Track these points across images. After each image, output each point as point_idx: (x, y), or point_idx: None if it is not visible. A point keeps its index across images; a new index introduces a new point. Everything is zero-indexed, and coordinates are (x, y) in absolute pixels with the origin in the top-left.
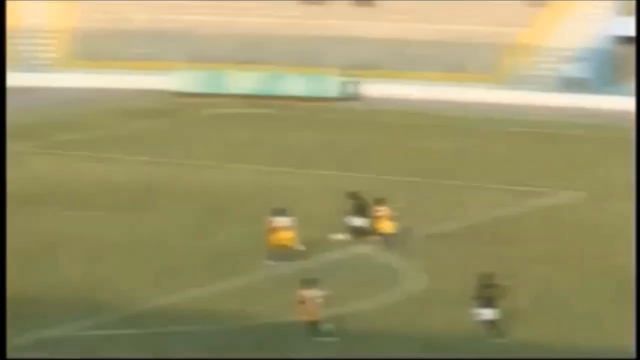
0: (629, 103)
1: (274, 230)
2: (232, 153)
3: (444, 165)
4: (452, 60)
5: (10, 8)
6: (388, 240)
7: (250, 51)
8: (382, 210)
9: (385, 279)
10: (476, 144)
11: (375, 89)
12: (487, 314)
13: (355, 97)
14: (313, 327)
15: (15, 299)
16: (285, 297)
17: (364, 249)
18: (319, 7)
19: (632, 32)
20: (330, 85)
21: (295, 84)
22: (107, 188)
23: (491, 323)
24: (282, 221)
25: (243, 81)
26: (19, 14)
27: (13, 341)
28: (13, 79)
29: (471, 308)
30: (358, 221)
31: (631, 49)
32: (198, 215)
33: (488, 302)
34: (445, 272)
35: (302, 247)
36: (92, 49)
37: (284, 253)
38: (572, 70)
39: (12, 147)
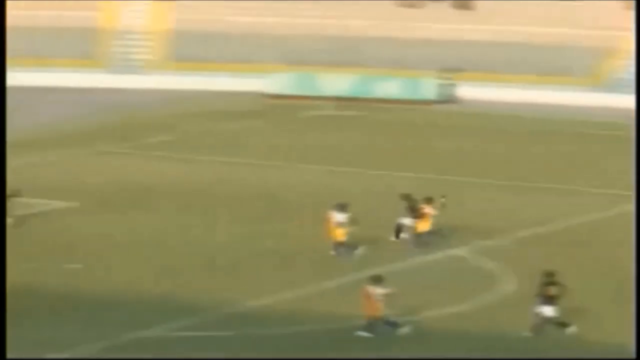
0: None
1: (331, 224)
2: (319, 155)
3: (538, 168)
4: (549, 63)
5: (105, 9)
6: (418, 238)
7: (344, 53)
8: (426, 209)
9: (476, 281)
10: (570, 147)
11: (472, 91)
12: (547, 311)
13: (451, 100)
14: (372, 323)
15: (117, 299)
16: None
17: (456, 251)
18: (415, 10)
19: None
20: (426, 87)
21: (390, 87)
22: (194, 190)
23: (550, 320)
24: (338, 216)
25: (336, 83)
26: (113, 14)
27: (111, 341)
28: (107, 81)
29: (533, 305)
30: (406, 221)
31: None
32: (281, 217)
33: (548, 300)
34: (535, 275)
35: (359, 250)
36: (186, 51)
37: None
38: None
39: (104, 148)
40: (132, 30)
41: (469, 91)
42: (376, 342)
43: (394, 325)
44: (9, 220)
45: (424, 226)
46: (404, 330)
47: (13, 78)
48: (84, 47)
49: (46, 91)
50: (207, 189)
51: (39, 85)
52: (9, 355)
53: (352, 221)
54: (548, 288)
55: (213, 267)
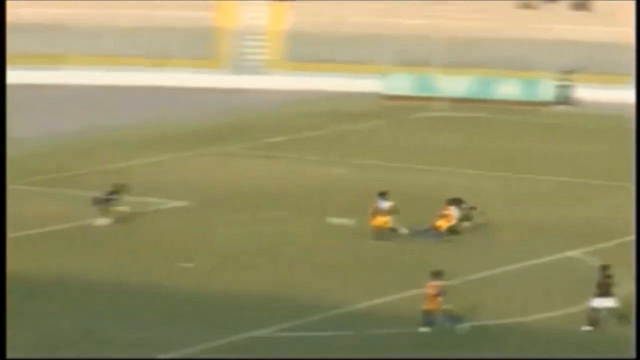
0: None
1: (375, 211)
2: (432, 155)
3: None
4: None
5: (223, 9)
6: (431, 235)
7: (461, 55)
8: (449, 209)
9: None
10: None
11: (589, 93)
12: (602, 303)
13: (569, 102)
14: (430, 317)
15: (226, 298)
16: (482, 298)
17: (573, 252)
18: (532, 11)
19: None
20: (543, 89)
21: (507, 88)
22: (309, 190)
23: (607, 312)
24: (383, 204)
25: (454, 84)
26: (231, 15)
27: (218, 341)
28: (225, 81)
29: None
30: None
31: None
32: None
33: (604, 292)
34: None
35: (405, 230)
36: (303, 51)
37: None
38: None
39: (221, 148)
40: (249, 31)
41: (586, 93)
42: (479, 342)
43: (455, 320)
44: (123, 209)
45: (441, 224)
46: (464, 326)
47: (133, 78)
48: (201, 47)
49: (164, 91)
50: (323, 190)
51: (157, 85)
52: (9, 355)
53: (394, 210)
54: (605, 282)
55: (321, 266)
